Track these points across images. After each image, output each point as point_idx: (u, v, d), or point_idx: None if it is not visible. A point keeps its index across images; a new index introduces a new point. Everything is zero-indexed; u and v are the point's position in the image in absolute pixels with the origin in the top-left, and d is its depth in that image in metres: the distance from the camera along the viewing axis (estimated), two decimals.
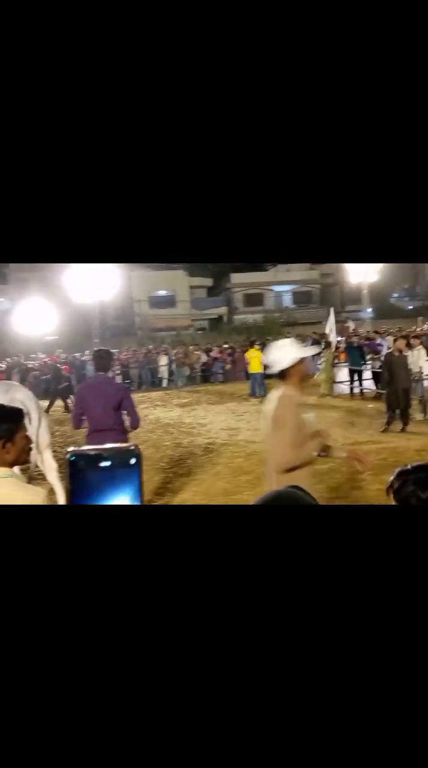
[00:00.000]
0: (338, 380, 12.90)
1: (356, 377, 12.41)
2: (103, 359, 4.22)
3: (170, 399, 13.35)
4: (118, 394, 4.00)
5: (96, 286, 20.35)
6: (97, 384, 4.12)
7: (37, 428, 5.20)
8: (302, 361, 2.69)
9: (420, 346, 9.19)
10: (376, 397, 10.87)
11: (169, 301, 32.28)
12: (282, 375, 2.68)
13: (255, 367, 12.97)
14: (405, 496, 1.70)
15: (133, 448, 0.76)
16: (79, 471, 0.74)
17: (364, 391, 12.14)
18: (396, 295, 34.90)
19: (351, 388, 12.41)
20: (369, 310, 25.88)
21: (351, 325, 16.70)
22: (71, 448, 0.74)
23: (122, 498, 0.75)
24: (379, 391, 10.32)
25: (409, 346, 9.02)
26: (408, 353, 8.57)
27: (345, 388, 12.65)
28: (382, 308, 30.14)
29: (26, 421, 2.31)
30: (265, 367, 13.25)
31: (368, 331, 17.17)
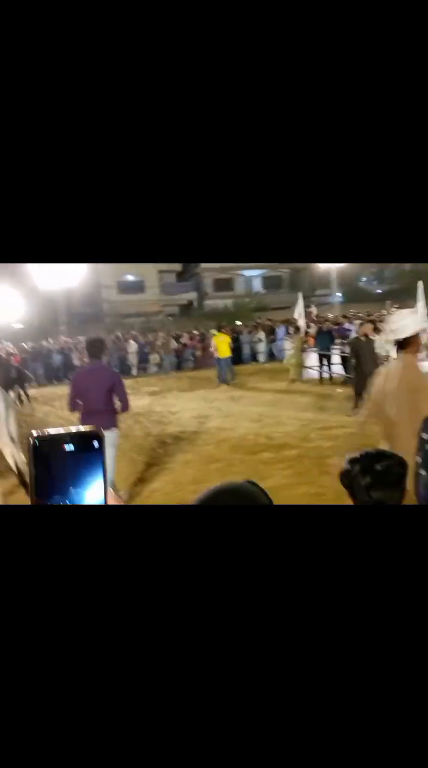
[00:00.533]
0: (307, 365, 13.00)
1: (325, 362, 12.53)
2: (95, 347, 4.52)
3: (139, 387, 13.23)
4: (111, 380, 4.33)
5: (62, 272, 19.99)
6: (92, 370, 4.44)
7: (5, 420, 5.06)
8: (424, 330, 3.07)
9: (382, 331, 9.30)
10: (345, 382, 10.99)
11: (138, 287, 31.93)
12: (403, 343, 3.00)
13: (223, 352, 12.96)
14: (350, 481, 1.74)
15: (97, 431, 0.74)
16: (42, 455, 0.72)
17: (333, 375, 12.26)
18: (364, 279, 35.29)
19: (321, 373, 12.52)
20: (339, 294, 26.14)
21: (313, 310, 16.88)
22: (34, 432, 0.72)
23: (86, 482, 0.74)
24: (348, 375, 10.44)
25: (376, 330, 9.12)
26: (375, 338, 8.67)
27: (314, 373, 12.76)
28: (351, 292, 30.44)
29: None
30: (233, 351, 13.40)
31: (336, 316, 17.35)
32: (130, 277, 31.88)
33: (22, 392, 12.76)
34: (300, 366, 12.76)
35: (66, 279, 20.02)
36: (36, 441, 0.72)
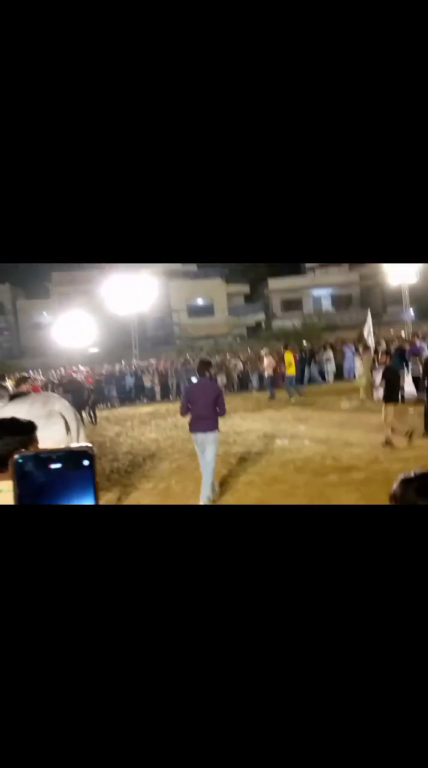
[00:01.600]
0: (378, 385, 12.60)
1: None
2: (203, 366, 5.89)
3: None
4: (215, 392, 5.60)
5: (135, 297, 20.73)
6: (201, 384, 5.70)
7: (76, 438, 5.25)
8: None
9: None
10: (417, 402, 10.55)
11: (207, 310, 32.44)
12: None
13: (290, 370, 13.55)
14: (405, 503, 1.67)
15: (86, 449, 0.75)
16: (25, 473, 0.73)
17: (405, 396, 11.80)
18: None
19: None
20: (411, 311, 25.23)
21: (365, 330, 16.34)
22: (20, 452, 0.74)
23: (75, 500, 0.74)
24: (420, 395, 10.02)
25: None
26: None
27: None
28: (425, 309, 29.31)
29: (64, 431, 2.37)
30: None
31: (411, 335, 16.72)
32: (200, 301, 32.48)
33: (92, 413, 13.25)
34: (371, 386, 12.39)
35: (138, 304, 20.76)
36: (19, 459, 0.73)
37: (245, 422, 11.18)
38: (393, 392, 7.48)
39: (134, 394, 17.55)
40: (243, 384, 17.42)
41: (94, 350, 23.47)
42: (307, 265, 34.35)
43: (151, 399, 17.39)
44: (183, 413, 5.67)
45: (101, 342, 23.40)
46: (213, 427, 5.51)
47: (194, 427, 5.53)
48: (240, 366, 17.77)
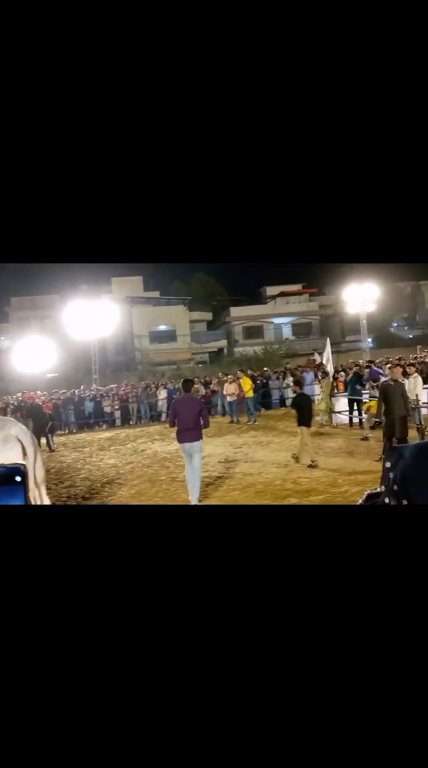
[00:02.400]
0: (337, 410, 12.84)
1: (355, 407, 12.35)
2: (187, 384, 6.78)
3: (169, 432, 13.26)
4: (199, 406, 6.39)
5: (96, 323, 20.62)
6: (186, 399, 6.45)
7: (33, 463, 5.13)
8: None
9: (416, 374, 9.14)
10: (375, 427, 10.77)
11: (170, 336, 32.54)
12: None
13: (248, 393, 14.20)
14: None
15: (19, 466, 0.80)
16: None
17: (363, 420, 12.04)
18: (395, 324, 35.11)
19: (350, 418, 12.32)
20: (369, 339, 26.02)
21: (317, 358, 16.88)
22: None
23: None
24: (377, 420, 10.24)
25: (405, 374, 8.97)
26: (405, 381, 8.53)
27: (344, 418, 12.56)
28: (382, 338, 30.28)
29: (21, 455, 2.29)
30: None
31: (367, 361, 17.20)
32: (163, 327, 32.59)
33: (50, 438, 12.93)
34: (330, 411, 12.59)
35: (100, 330, 20.66)
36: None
37: (207, 447, 11.12)
38: (304, 418, 8.18)
39: (93, 419, 17.27)
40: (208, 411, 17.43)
41: (54, 375, 23.10)
42: (268, 294, 35.10)
43: (111, 424, 17.15)
44: (170, 425, 6.53)
45: (61, 367, 23.07)
46: (198, 437, 6.23)
47: (181, 438, 6.22)
48: (202, 391, 17.79)
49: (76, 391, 18.24)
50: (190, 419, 6.09)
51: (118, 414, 17.43)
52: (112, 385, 19.62)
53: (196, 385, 7.97)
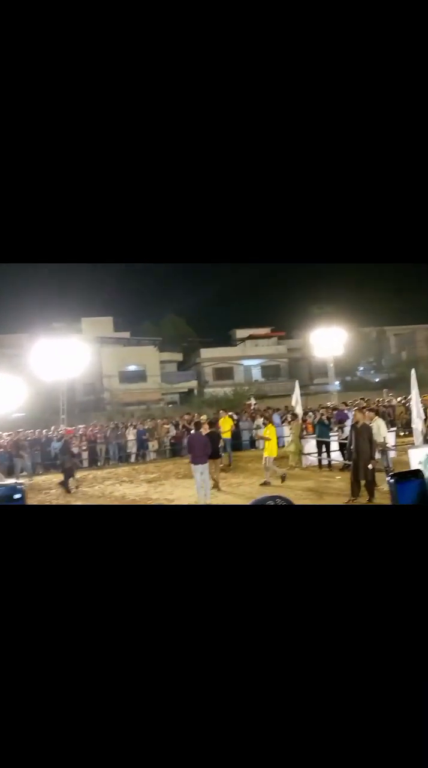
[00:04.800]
0: (306, 452, 12.91)
1: (324, 448, 12.46)
2: (198, 425, 10.07)
3: (137, 474, 13.07)
4: (207, 439, 9.43)
5: (65, 362, 20.40)
6: (196, 434, 9.55)
7: None
8: None
9: (377, 418, 9.32)
10: (344, 468, 10.87)
11: (140, 376, 32.46)
12: None
13: (225, 433, 13.83)
14: None
15: (18, 486, 0.83)
16: None
17: (332, 462, 12.15)
18: (362, 368, 35.95)
19: (320, 460, 12.41)
20: (337, 383, 26.50)
21: (252, 401, 17.17)
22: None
23: None
24: (346, 462, 10.35)
25: (369, 418, 9.15)
26: (372, 424, 8.69)
27: (313, 460, 12.64)
28: (349, 381, 30.91)
29: None
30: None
31: (343, 403, 17.48)
32: (133, 367, 32.51)
33: (68, 479, 12.11)
34: (299, 452, 12.67)
35: (68, 369, 20.42)
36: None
37: (176, 489, 10.99)
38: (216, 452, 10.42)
39: (61, 460, 16.86)
40: (175, 450, 17.27)
41: (20, 414, 22.60)
42: (237, 336, 35.60)
43: (78, 466, 16.78)
44: (188, 453, 9.61)
45: (28, 406, 22.61)
46: (205, 461, 9.20)
47: (194, 461, 9.18)
48: (173, 431, 17.67)
49: (44, 430, 17.86)
50: (200, 449, 9.13)
51: (85, 455, 17.09)
52: (79, 426, 19.31)
53: (204, 424, 9.99)
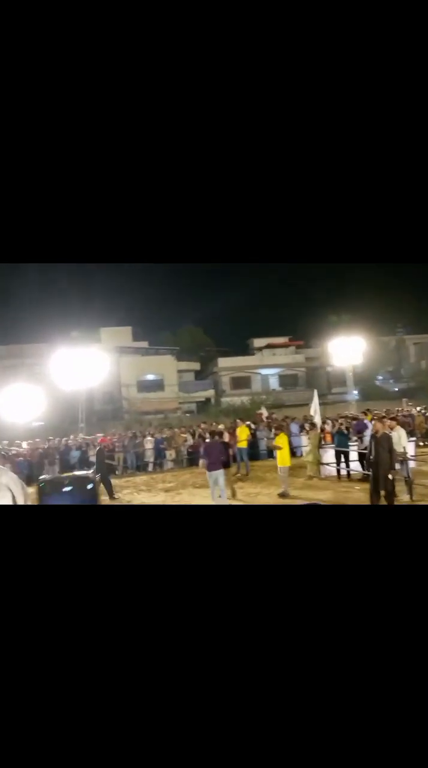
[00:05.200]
0: (324, 461, 12.79)
1: (342, 458, 12.33)
2: (213, 433, 10.59)
3: (155, 483, 13.08)
4: (221, 446, 9.88)
5: (84, 372, 20.60)
6: (213, 443, 9.84)
7: None
8: None
9: (398, 427, 9.21)
10: (363, 479, 10.73)
11: (158, 385, 32.61)
12: None
13: (242, 443, 13.86)
14: None
15: (90, 475, 0.86)
16: (46, 495, 0.87)
17: (351, 472, 12.01)
18: (380, 377, 35.61)
19: (338, 470, 12.28)
20: (355, 392, 26.28)
21: (264, 412, 17.01)
22: (42, 476, 0.86)
23: None
24: (365, 472, 10.23)
25: (392, 427, 9.05)
26: (393, 434, 8.58)
27: (332, 470, 12.51)
28: (368, 390, 30.62)
29: (11, 503, 2.29)
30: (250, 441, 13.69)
31: (362, 412, 17.32)
32: (151, 376, 32.68)
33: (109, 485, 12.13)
34: (318, 463, 12.55)
35: (87, 378, 20.62)
36: (42, 483, 0.87)
37: (194, 498, 10.96)
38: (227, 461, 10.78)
39: (79, 468, 16.97)
40: (192, 459, 17.26)
41: (40, 423, 22.83)
42: (255, 345, 35.58)
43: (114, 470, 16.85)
44: (201, 462, 9.90)
45: (47, 415, 22.84)
46: (219, 467, 9.41)
47: (210, 468, 9.35)
48: (190, 440, 17.67)
49: (64, 439, 18.02)
50: (216, 455, 9.44)
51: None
52: (98, 435, 19.44)
53: (224, 433, 11.37)
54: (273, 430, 13.46)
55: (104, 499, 10.41)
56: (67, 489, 1.11)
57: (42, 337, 29.61)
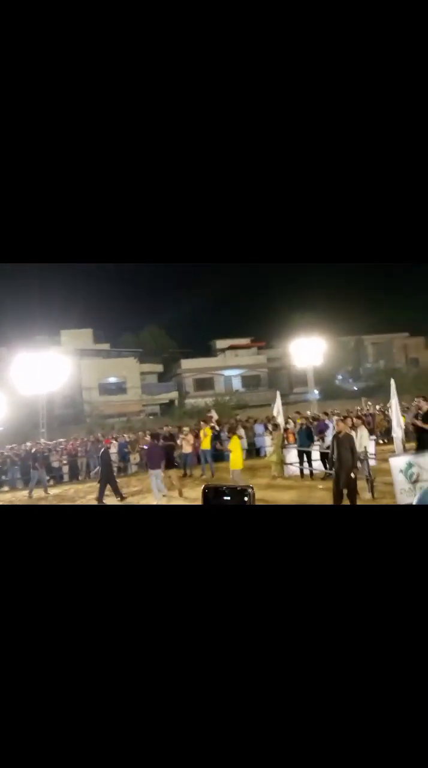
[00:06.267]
0: (288, 461, 12.98)
1: (305, 458, 12.53)
2: (155, 435, 11.64)
3: (120, 487, 12.94)
4: (161, 449, 10.66)
5: (45, 375, 20.22)
6: (152, 445, 10.69)
7: None
8: None
9: (362, 426, 9.44)
10: (325, 478, 10.96)
11: (120, 388, 32.31)
12: None
13: (205, 444, 13.89)
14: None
15: (247, 487, 0.96)
16: (209, 502, 0.95)
17: (314, 471, 12.23)
18: (340, 377, 36.34)
19: (301, 470, 12.47)
20: (316, 392, 26.73)
21: (213, 414, 17.23)
22: (207, 484, 0.98)
23: None
24: (328, 471, 10.44)
25: (352, 427, 9.26)
26: (353, 434, 8.79)
27: (295, 470, 12.71)
28: (328, 390, 31.18)
29: None
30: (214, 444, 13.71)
31: (312, 414, 17.61)
32: (112, 379, 32.34)
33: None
34: (282, 462, 12.72)
35: (47, 382, 20.24)
36: (206, 489, 0.98)
37: (160, 503, 10.91)
38: (170, 462, 11.13)
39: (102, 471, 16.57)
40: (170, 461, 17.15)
41: None
42: (217, 347, 35.73)
43: (59, 480, 16.57)
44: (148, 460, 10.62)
45: (7, 421, 22.30)
46: (157, 467, 10.38)
47: (150, 467, 10.38)
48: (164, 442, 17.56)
49: (23, 445, 17.63)
50: (155, 456, 10.22)
51: (65, 469, 16.89)
52: (60, 439, 19.11)
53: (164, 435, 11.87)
54: (227, 431, 13.57)
55: (112, 500, 10.84)
56: (226, 498, 1.12)
57: (0, 340, 28.89)
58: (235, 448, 10.52)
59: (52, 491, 14.44)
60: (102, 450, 12.02)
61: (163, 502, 10.13)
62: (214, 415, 17.14)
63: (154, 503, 9.90)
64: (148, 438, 13.37)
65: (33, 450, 14.87)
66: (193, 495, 11.30)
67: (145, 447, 11.11)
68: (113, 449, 17.19)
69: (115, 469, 13.10)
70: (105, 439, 14.89)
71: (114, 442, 17.59)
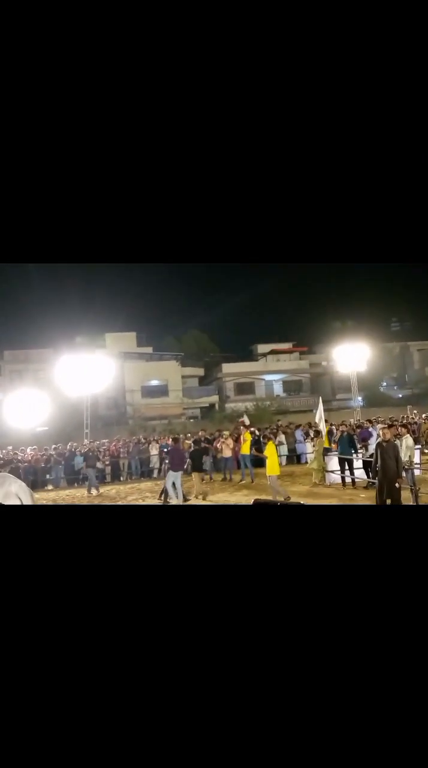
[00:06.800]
0: (329, 469, 12.78)
1: (347, 466, 12.31)
2: (176, 439, 12.62)
3: (159, 489, 13.05)
4: (182, 453, 11.41)
5: (89, 377, 20.70)
6: (175, 448, 11.31)
7: None
8: None
9: (407, 435, 9.20)
10: (368, 487, 10.72)
11: (162, 390, 32.65)
12: None
13: (245, 449, 13.68)
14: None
15: (300, 504, 0.99)
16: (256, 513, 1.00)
17: (356, 480, 12.00)
18: (385, 383, 35.56)
19: (343, 478, 12.26)
20: (359, 398, 26.26)
21: (246, 420, 16.92)
22: (256, 498, 1.03)
23: None
24: (370, 480, 10.21)
25: (397, 435, 9.05)
26: (398, 442, 8.58)
27: (337, 478, 12.50)
28: (372, 397, 30.58)
29: None
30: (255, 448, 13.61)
31: (359, 420, 17.28)
32: (155, 382, 32.74)
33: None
34: (323, 470, 12.54)
35: (91, 384, 20.69)
36: (255, 503, 1.04)
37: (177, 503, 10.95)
38: (198, 465, 12.04)
39: (83, 474, 16.98)
40: (196, 465, 17.26)
41: (44, 429, 22.89)
42: (259, 351, 35.61)
43: (101, 480, 16.87)
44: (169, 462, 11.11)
45: (52, 421, 22.90)
46: (179, 469, 10.94)
47: (173, 469, 10.56)
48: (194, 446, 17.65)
49: (69, 444, 18.05)
50: (177, 459, 10.69)
51: (108, 470, 17.19)
52: (104, 441, 19.47)
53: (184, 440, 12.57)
54: (262, 437, 13.44)
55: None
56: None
57: (47, 342, 29.76)
58: (271, 454, 10.28)
59: (94, 491, 14.71)
60: (192, 449, 12.79)
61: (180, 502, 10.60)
62: (246, 420, 17.04)
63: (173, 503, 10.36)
64: (187, 441, 13.52)
65: (87, 450, 15.22)
66: (221, 499, 11.27)
67: (170, 449, 11.59)
68: (154, 451, 17.40)
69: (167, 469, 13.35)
70: (199, 433, 15.34)
71: (155, 444, 17.78)
